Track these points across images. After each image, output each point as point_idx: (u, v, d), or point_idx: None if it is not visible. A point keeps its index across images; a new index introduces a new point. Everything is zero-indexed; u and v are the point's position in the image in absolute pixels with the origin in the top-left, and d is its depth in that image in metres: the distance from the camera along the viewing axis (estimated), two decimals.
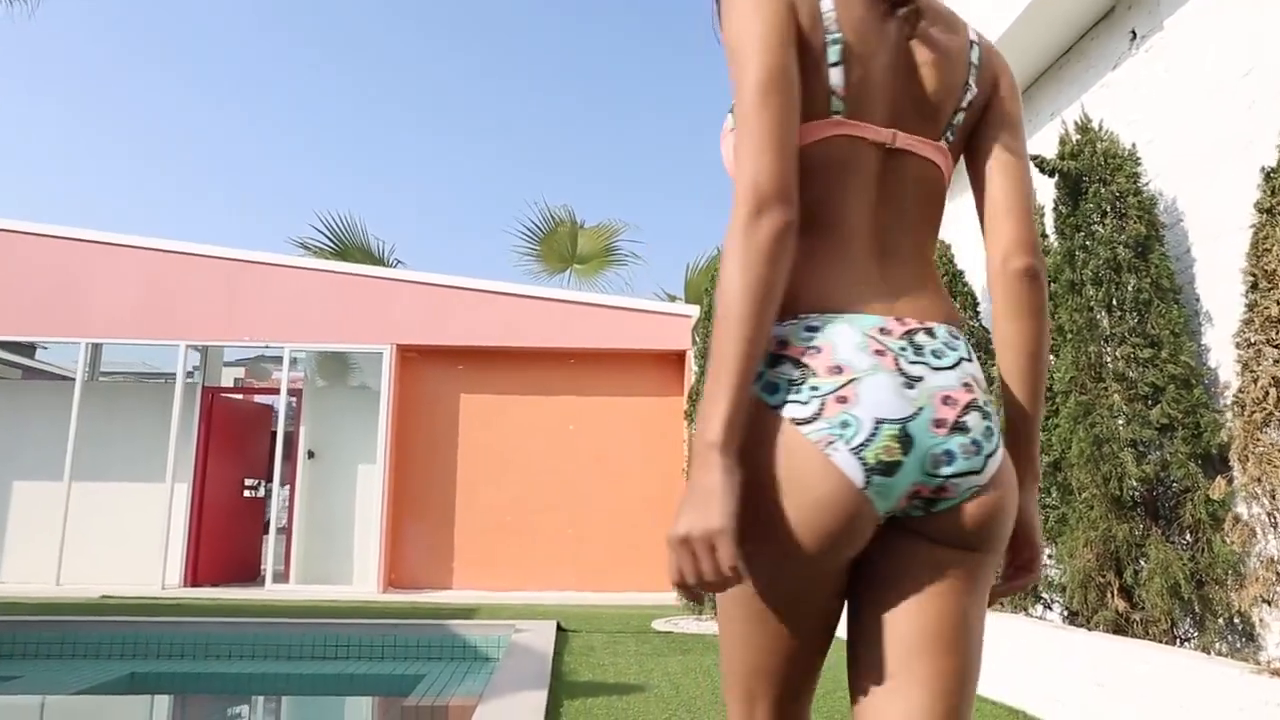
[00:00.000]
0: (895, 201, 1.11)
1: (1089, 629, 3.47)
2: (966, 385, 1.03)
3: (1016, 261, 1.13)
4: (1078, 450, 3.33)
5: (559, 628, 6.37)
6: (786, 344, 1.03)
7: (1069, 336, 3.51)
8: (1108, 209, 3.44)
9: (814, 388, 0.99)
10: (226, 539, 9.91)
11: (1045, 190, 4.09)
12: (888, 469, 0.97)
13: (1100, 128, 3.63)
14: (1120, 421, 3.24)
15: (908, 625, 1.01)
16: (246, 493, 10.46)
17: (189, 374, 9.85)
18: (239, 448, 10.22)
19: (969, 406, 1.02)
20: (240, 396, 11.12)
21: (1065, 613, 4.00)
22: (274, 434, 10.41)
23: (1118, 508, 3.22)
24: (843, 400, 0.98)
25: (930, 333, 1.05)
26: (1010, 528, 1.07)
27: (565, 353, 9.80)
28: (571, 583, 9.43)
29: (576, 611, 7.62)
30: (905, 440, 0.98)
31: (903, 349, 1.02)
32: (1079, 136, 3.63)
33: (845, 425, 0.97)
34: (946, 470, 1.00)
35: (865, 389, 0.98)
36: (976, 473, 1.01)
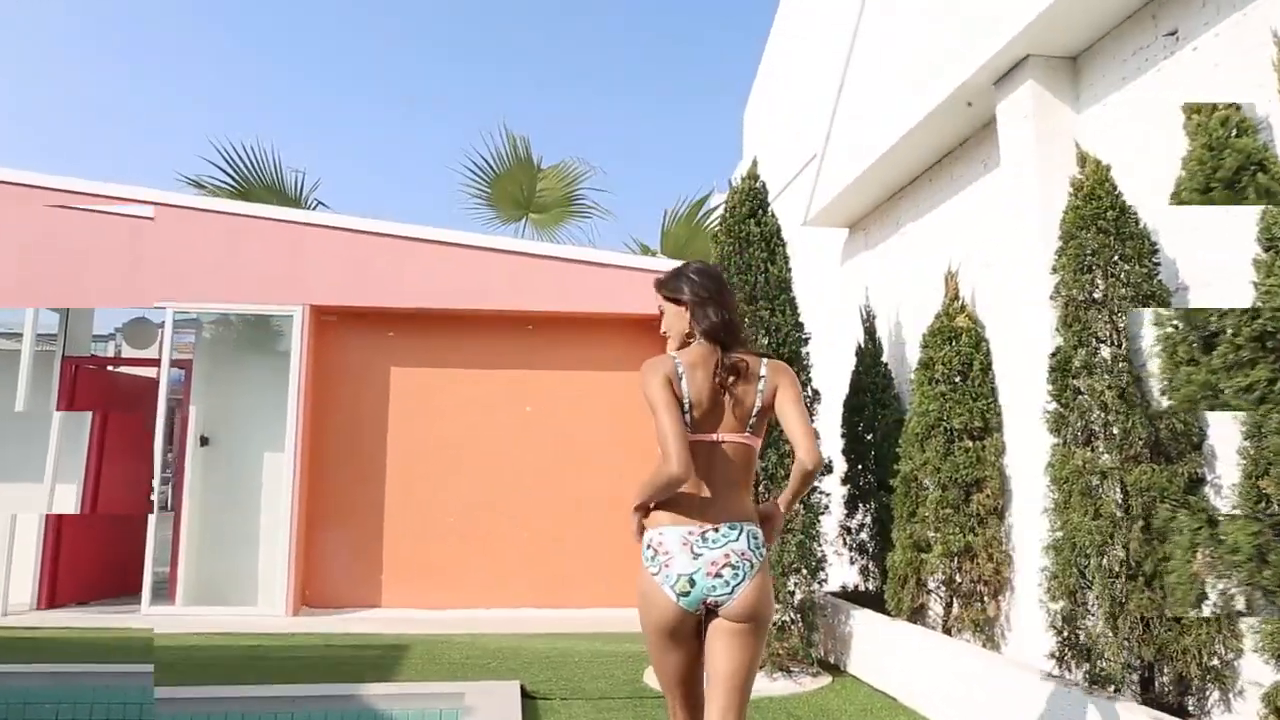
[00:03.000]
0: (719, 465, 2.43)
1: None
2: (726, 554, 2.34)
3: (806, 465, 2.39)
4: None
5: (524, 693, 4.67)
6: (650, 541, 2.42)
7: None
8: None
9: (658, 560, 2.38)
10: (97, 546, 7.93)
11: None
12: (685, 595, 2.33)
13: None
14: None
15: (715, 665, 2.38)
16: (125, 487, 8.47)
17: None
18: (112, 431, 8.21)
19: (724, 566, 2.34)
20: (124, 369, 9.03)
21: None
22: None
23: None
24: (666, 566, 2.36)
25: (716, 530, 2.37)
26: (762, 613, 2.38)
27: (520, 316, 7.99)
28: (529, 598, 7.72)
29: (540, 647, 5.92)
30: (691, 582, 2.33)
31: (697, 541, 2.36)
32: None
33: (667, 578, 2.35)
34: (714, 595, 2.33)
35: (673, 561, 2.35)
36: (729, 594, 2.34)
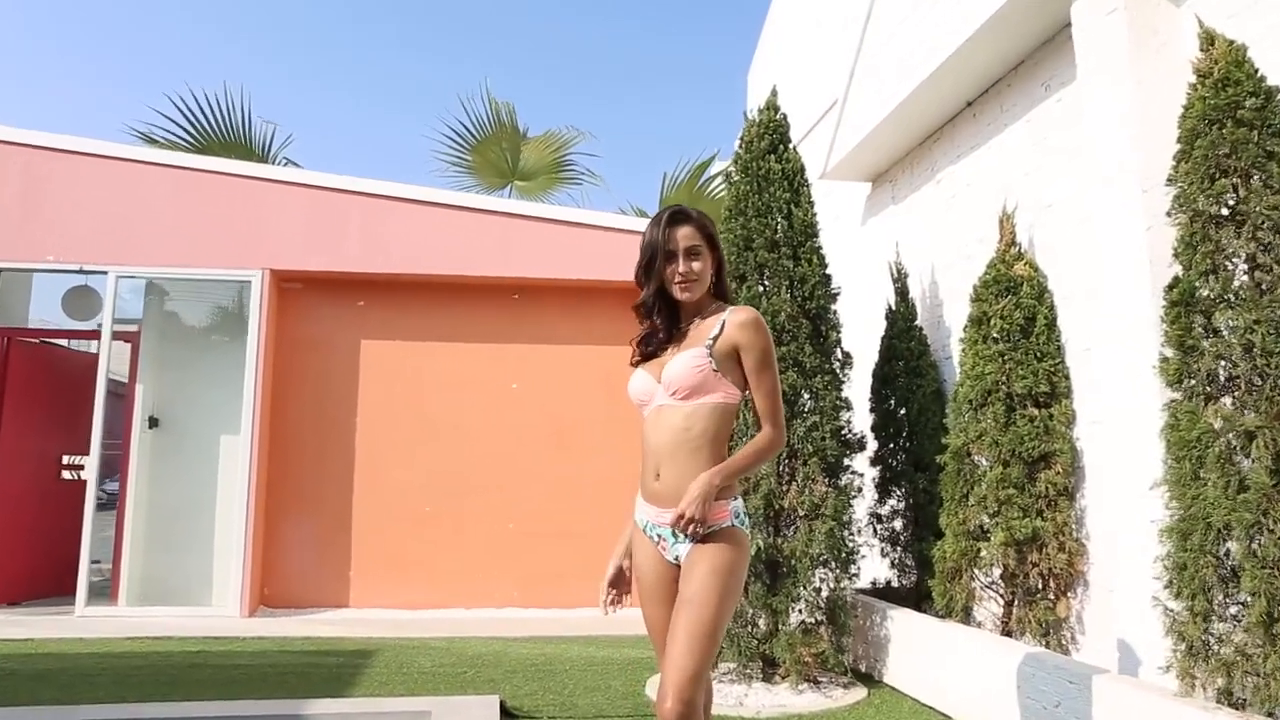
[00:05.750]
0: None
1: None
2: None
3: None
4: None
5: (503, 710, 3.88)
6: (739, 510, 2.27)
7: None
8: None
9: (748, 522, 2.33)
10: (32, 538, 7.11)
11: None
12: None
13: None
14: None
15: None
16: (67, 474, 7.65)
17: None
18: (52, 412, 7.39)
19: None
20: (62, 343, 8.18)
21: None
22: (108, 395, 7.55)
23: None
24: None
25: None
26: None
27: (506, 284, 7.21)
28: (514, 596, 6.94)
29: (526, 653, 5.14)
30: None
31: None
32: None
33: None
34: None
35: None
36: None
